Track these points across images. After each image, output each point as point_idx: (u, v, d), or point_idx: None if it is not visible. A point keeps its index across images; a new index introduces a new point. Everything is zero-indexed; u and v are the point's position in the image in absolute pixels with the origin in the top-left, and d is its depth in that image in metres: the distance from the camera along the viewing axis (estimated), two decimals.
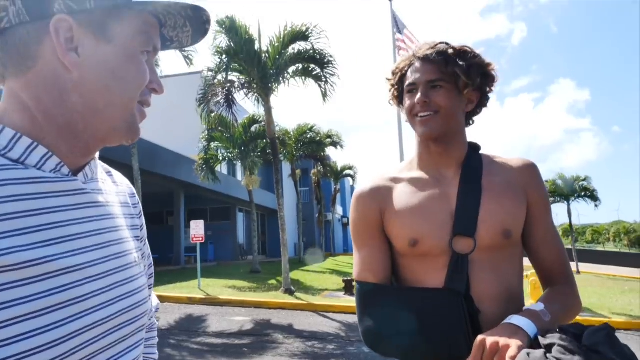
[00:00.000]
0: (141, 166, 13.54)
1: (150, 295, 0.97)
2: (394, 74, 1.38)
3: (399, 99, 1.38)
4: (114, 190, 0.82)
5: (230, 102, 12.81)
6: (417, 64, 1.29)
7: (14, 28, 0.62)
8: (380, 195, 1.32)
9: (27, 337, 0.56)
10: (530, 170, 1.30)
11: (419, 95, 1.26)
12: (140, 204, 0.91)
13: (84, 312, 0.63)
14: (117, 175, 0.88)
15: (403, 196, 1.30)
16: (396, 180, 1.34)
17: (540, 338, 0.97)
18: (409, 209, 1.27)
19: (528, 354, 0.92)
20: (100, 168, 0.80)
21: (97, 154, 0.76)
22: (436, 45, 1.28)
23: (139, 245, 0.85)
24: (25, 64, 0.64)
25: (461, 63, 1.24)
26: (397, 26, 10.71)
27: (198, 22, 0.75)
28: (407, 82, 1.31)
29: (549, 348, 0.92)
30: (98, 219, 0.71)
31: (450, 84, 1.25)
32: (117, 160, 14.07)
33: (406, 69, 1.33)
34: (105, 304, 0.67)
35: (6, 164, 0.61)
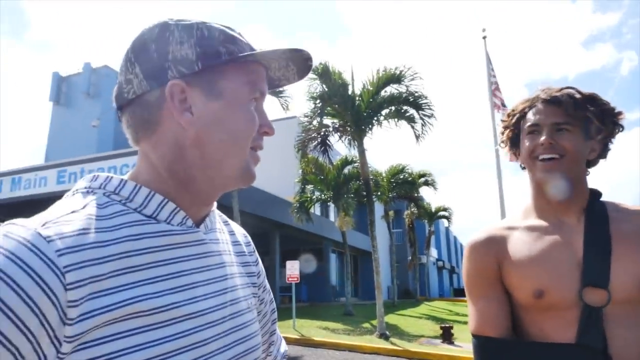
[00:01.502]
0: (240, 207, 14.16)
1: (273, 339, 0.99)
2: (510, 115, 1.34)
3: (512, 142, 1.34)
4: (230, 239, 0.87)
5: (326, 146, 13.17)
6: (541, 106, 1.25)
7: (139, 97, 0.70)
8: (497, 244, 1.26)
9: None
10: None
11: (543, 137, 1.20)
12: (255, 251, 0.95)
13: (205, 356, 0.67)
14: (234, 225, 0.92)
15: (522, 245, 1.23)
16: (512, 228, 1.28)
17: None
18: (531, 257, 1.20)
19: None
20: (218, 218, 0.85)
21: (215, 206, 0.81)
22: (563, 88, 1.25)
23: (254, 292, 0.88)
24: (151, 128, 0.71)
25: (591, 108, 1.20)
26: (491, 65, 10.51)
27: (300, 60, 0.78)
28: (528, 124, 1.26)
29: None
30: (216, 267, 0.75)
31: (577, 128, 1.20)
32: (218, 201, 14.84)
33: (526, 110, 1.29)
34: (222, 348, 0.70)
35: (142, 220, 0.67)
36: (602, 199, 1.27)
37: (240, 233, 0.93)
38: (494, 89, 10.32)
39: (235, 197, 13.71)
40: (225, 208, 14.57)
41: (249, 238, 0.96)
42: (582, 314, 1.11)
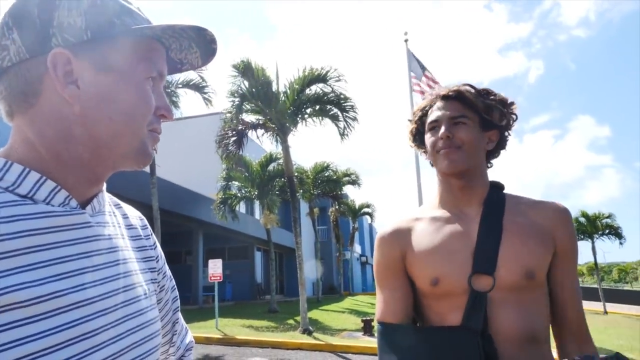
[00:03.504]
0: (160, 205, 13.72)
1: (176, 329, 0.95)
2: (414, 113, 1.41)
3: (419, 139, 1.41)
4: (123, 222, 0.81)
5: (241, 142, 13.07)
6: (440, 103, 1.32)
7: (15, 66, 0.63)
8: (402, 236, 1.34)
9: None
10: (561, 215, 1.28)
11: (442, 131, 1.27)
12: (153, 235, 0.90)
13: (96, 347, 0.62)
14: (127, 207, 0.86)
15: (424, 235, 1.30)
16: (417, 220, 1.35)
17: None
18: (430, 248, 1.27)
19: None
20: (108, 200, 0.79)
21: (104, 187, 0.75)
22: (459, 85, 1.32)
23: (152, 277, 0.83)
24: (28, 101, 0.63)
25: (484, 100, 1.28)
26: (421, 66, 10.84)
27: (204, 42, 0.72)
28: (429, 120, 1.33)
29: None
30: (106, 252, 0.69)
31: (473, 120, 1.28)
32: (136, 199, 14.28)
33: (427, 108, 1.36)
34: (115, 338, 0.66)
35: (15, 200, 0.60)
36: (513, 193, 1.35)
37: (135, 216, 0.87)
38: (419, 90, 10.65)
39: (155, 194, 13.26)
40: (143, 205, 14.05)
41: (145, 221, 0.90)
42: (469, 299, 1.20)
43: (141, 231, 0.85)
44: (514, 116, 1.34)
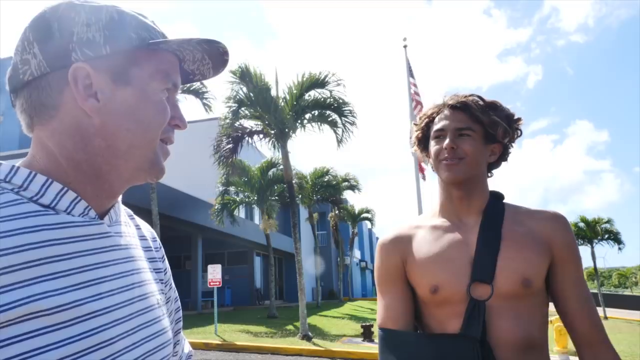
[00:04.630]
0: (160, 210, 13.72)
1: (178, 339, 0.96)
2: (421, 119, 1.42)
3: (422, 144, 1.42)
4: (136, 233, 0.83)
5: (236, 149, 13.11)
6: (447, 112, 1.33)
7: (36, 80, 0.65)
8: (402, 243, 1.36)
9: None
10: (554, 221, 1.29)
11: (447, 141, 1.29)
12: (162, 248, 0.92)
13: (113, 355, 0.63)
14: (140, 220, 0.89)
15: (424, 243, 1.32)
16: (418, 227, 1.38)
17: None
18: (430, 256, 1.29)
19: None
20: (123, 212, 0.81)
21: (120, 198, 0.77)
22: (467, 96, 1.33)
23: (162, 288, 0.85)
24: (49, 113, 0.66)
25: (491, 115, 1.29)
26: (411, 73, 10.89)
27: (216, 54, 0.75)
28: (435, 128, 1.34)
29: None
30: (122, 262, 0.71)
31: (478, 133, 1.29)
32: (135, 204, 14.28)
33: (434, 115, 1.37)
34: (131, 346, 0.67)
35: (39, 210, 0.62)
36: (513, 202, 1.37)
37: (147, 229, 0.89)
38: (414, 97, 10.70)
39: (154, 199, 13.27)
40: (143, 211, 14.04)
41: (155, 234, 0.92)
42: (468, 307, 1.21)
43: (152, 243, 0.87)
44: (518, 132, 1.36)
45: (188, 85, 14.44)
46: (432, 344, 1.25)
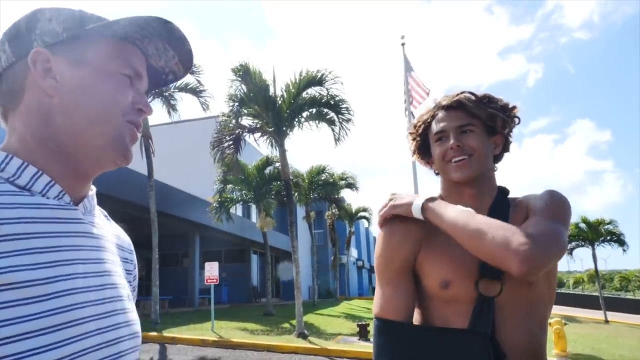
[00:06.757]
0: (158, 208, 13.74)
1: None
2: (416, 126, 1.41)
3: (421, 151, 1.41)
4: (111, 231, 0.85)
5: (237, 147, 13.09)
6: (442, 114, 1.32)
7: (5, 71, 0.72)
8: (415, 232, 1.28)
9: (24, 356, 0.57)
10: (542, 196, 1.26)
11: (451, 141, 1.27)
12: (134, 253, 0.94)
13: (84, 335, 0.64)
14: (115, 224, 0.91)
15: (437, 236, 1.26)
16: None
17: None
18: (443, 249, 1.24)
19: None
20: (99, 211, 0.84)
21: (94, 192, 0.80)
22: (459, 94, 1.33)
23: (130, 287, 0.86)
24: (17, 98, 0.72)
25: (487, 108, 1.29)
26: (411, 69, 10.88)
27: (175, 41, 0.78)
28: (434, 131, 1.33)
29: None
30: (95, 250, 0.73)
31: (479, 127, 1.29)
32: (134, 201, 14.29)
33: (429, 120, 1.36)
34: (101, 329, 0.68)
35: (14, 190, 0.66)
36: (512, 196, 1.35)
37: (121, 231, 0.92)
38: (411, 97, 10.70)
39: (152, 197, 13.28)
40: (141, 208, 14.07)
41: (130, 241, 0.94)
42: (477, 303, 1.18)
43: (126, 245, 0.90)
44: (516, 119, 1.35)
45: (185, 83, 14.46)
46: (438, 338, 1.21)
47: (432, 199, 1.24)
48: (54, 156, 0.71)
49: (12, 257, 0.59)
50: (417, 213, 1.23)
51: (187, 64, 0.83)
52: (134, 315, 0.79)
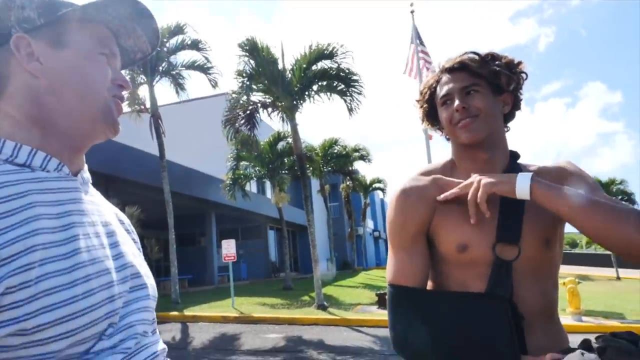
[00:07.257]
0: (172, 188, 13.82)
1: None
2: (422, 92, 1.38)
3: (430, 117, 1.39)
4: (108, 205, 0.90)
5: (252, 123, 13.02)
6: (446, 77, 1.30)
7: None
8: (429, 196, 1.25)
9: (54, 292, 0.63)
10: (563, 171, 1.27)
11: (456, 103, 1.24)
12: (133, 230, 0.98)
13: (97, 288, 0.69)
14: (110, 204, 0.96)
15: (452, 199, 1.24)
16: (442, 182, 1.28)
17: (592, 341, 0.94)
18: (459, 212, 1.22)
19: (582, 354, 0.91)
20: (94, 190, 0.88)
21: (86, 167, 0.84)
22: (462, 55, 1.29)
23: (136, 243, 0.93)
24: (3, 84, 0.74)
25: (491, 66, 1.25)
26: (419, 40, 10.69)
27: (144, 20, 0.84)
28: (440, 95, 1.30)
29: (602, 351, 0.89)
30: (98, 214, 0.79)
31: (484, 87, 1.25)
32: (147, 183, 14.39)
33: (434, 85, 1.33)
34: (119, 281, 0.74)
35: (15, 169, 0.70)
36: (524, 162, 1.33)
37: (118, 210, 0.96)
38: (423, 64, 10.53)
39: (165, 177, 13.35)
40: (155, 189, 14.16)
41: (127, 218, 0.99)
42: (494, 267, 1.18)
43: (126, 223, 0.95)
44: (523, 75, 1.30)
45: (192, 61, 14.37)
46: (455, 302, 1.20)
47: (534, 179, 1.14)
48: (50, 133, 0.75)
49: (30, 224, 0.64)
50: (523, 194, 1.15)
51: (154, 41, 0.88)
52: (146, 269, 0.86)
